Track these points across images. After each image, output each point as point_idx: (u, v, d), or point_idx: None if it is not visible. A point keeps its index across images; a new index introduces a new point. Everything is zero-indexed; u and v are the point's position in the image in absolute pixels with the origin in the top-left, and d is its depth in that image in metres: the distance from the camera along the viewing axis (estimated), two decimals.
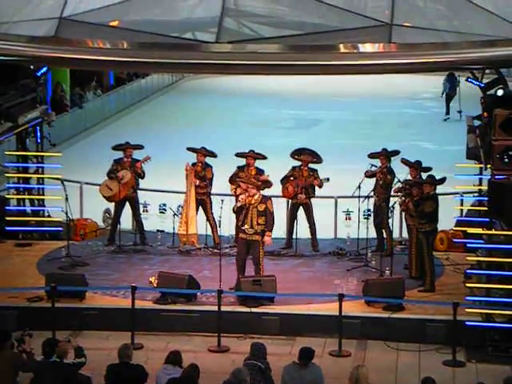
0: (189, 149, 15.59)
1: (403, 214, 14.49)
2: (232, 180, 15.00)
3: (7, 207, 16.04)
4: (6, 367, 10.09)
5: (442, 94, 29.55)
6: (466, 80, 14.06)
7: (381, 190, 14.95)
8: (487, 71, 13.94)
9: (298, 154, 15.35)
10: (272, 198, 13.65)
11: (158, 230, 16.09)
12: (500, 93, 12.56)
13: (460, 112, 27.70)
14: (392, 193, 14.78)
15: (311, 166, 15.29)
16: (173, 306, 12.96)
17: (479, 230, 12.77)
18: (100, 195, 15.44)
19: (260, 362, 10.87)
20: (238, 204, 13.35)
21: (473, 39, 11.96)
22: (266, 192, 14.17)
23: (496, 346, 12.03)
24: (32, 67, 15.07)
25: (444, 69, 13.97)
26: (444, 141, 25.03)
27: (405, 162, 14.51)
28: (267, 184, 14.36)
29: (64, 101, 27.02)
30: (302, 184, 15.16)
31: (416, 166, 14.30)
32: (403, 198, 13.86)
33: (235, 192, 14.64)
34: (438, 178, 13.73)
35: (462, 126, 15.24)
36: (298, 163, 15.30)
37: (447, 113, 29.15)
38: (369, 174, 14.93)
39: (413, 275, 13.87)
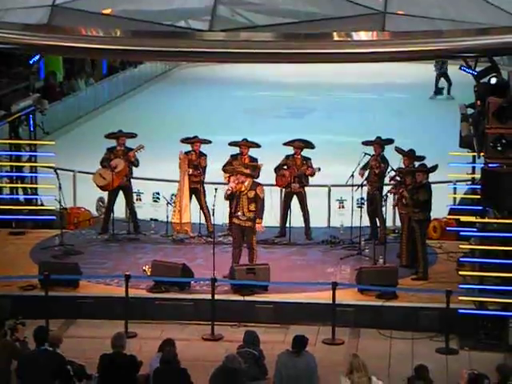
0: (182, 141, 15.53)
1: (396, 201, 14.47)
2: (225, 168, 15.00)
3: (0, 196, 16.00)
4: (1, 354, 10.09)
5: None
6: (460, 68, 14.05)
7: (374, 179, 14.96)
8: (480, 59, 13.92)
9: (290, 142, 15.37)
10: (263, 186, 13.67)
11: (151, 219, 16.09)
12: (493, 81, 12.56)
13: (442, 89, 27.93)
14: (386, 181, 14.79)
15: (305, 154, 15.30)
16: (166, 294, 12.97)
17: (472, 218, 12.80)
18: (93, 184, 15.42)
19: (253, 349, 10.92)
20: (228, 192, 13.38)
21: (466, 27, 11.96)
22: (258, 180, 14.20)
23: (489, 334, 12.07)
24: (25, 55, 15.00)
25: (437, 57, 13.96)
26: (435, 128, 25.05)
27: (398, 150, 14.51)
28: (255, 171, 14.32)
29: (57, 88, 26.94)
30: (295, 173, 15.17)
31: (410, 155, 14.30)
32: (396, 189, 13.85)
33: (228, 180, 14.64)
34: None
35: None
36: (291, 151, 15.30)
37: (436, 92, 29.25)
38: (363, 173, 14.89)
39: (403, 263, 13.90)
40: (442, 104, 28.60)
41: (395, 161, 14.67)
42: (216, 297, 12.39)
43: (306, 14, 12.70)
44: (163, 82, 34.72)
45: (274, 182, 15.38)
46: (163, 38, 12.28)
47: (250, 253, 13.55)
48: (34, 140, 15.97)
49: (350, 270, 13.90)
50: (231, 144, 15.40)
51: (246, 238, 13.52)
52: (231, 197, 13.44)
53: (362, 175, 14.88)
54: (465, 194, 15.52)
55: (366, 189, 15.05)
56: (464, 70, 13.85)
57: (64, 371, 9.79)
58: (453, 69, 25.46)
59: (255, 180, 13.75)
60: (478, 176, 13.92)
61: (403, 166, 14.25)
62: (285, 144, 15.39)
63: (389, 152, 15.03)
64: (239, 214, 13.38)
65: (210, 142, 15.56)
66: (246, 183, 13.40)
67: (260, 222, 13.47)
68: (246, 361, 10.57)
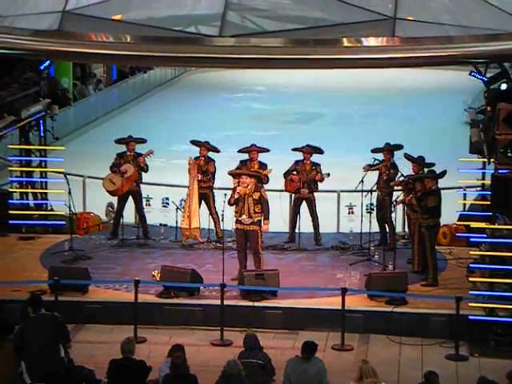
0: (192, 142, 15.61)
1: (405, 208, 14.45)
2: (230, 172, 14.95)
3: (10, 201, 16.05)
4: (9, 359, 10.12)
5: None
6: (470, 74, 14.03)
7: (384, 185, 14.95)
8: (491, 65, 13.91)
9: (299, 147, 15.38)
10: (270, 191, 13.68)
11: (160, 224, 16.11)
12: (503, 87, 12.55)
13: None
14: (394, 187, 14.76)
15: (314, 160, 15.30)
16: (176, 299, 12.97)
17: (482, 225, 12.76)
18: (103, 189, 15.45)
19: (257, 355, 10.86)
20: (236, 196, 13.39)
21: (476, 33, 11.93)
22: (266, 186, 14.20)
23: (499, 340, 12.03)
24: (35, 61, 15.05)
25: (447, 63, 13.90)
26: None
27: (408, 157, 14.49)
28: (260, 174, 14.32)
29: (66, 94, 27.02)
30: (305, 178, 15.17)
31: (419, 162, 14.28)
32: (404, 197, 13.82)
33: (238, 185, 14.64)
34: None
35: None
36: (300, 157, 15.30)
37: None
38: (367, 169, 14.88)
39: (415, 269, 13.87)
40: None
41: (405, 167, 14.66)
42: (225, 302, 12.38)
43: (315, 19, 12.69)
44: (172, 88, 34.82)
45: (283, 188, 15.38)
46: (173, 44, 12.30)
47: (256, 258, 13.52)
48: (44, 145, 16.02)
49: (359, 275, 13.88)
50: (240, 151, 15.41)
51: (250, 243, 13.48)
52: (237, 201, 13.43)
53: (367, 170, 14.83)
54: (475, 200, 15.48)
55: (375, 194, 15.04)
56: (474, 76, 13.83)
57: (64, 332, 9.90)
58: (463, 75, 25.45)
59: (259, 184, 13.76)
60: (487, 182, 13.88)
61: (413, 173, 14.22)
62: (294, 149, 15.40)
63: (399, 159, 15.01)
64: (243, 217, 13.37)
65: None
66: (249, 186, 13.42)
67: (267, 223, 13.47)
68: (250, 371, 10.52)
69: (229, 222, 14.37)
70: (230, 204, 13.55)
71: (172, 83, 35.52)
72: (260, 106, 30.45)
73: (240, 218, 13.41)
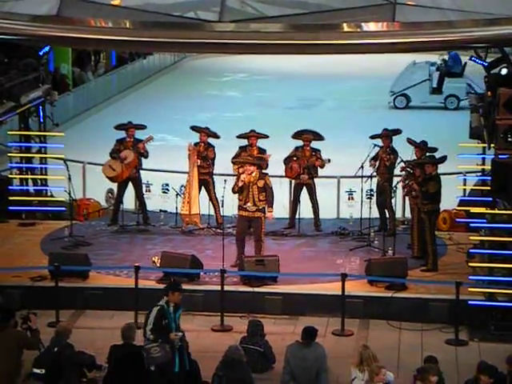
0: (192, 128, 15.59)
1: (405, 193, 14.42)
2: (234, 160, 14.99)
3: (10, 187, 16.03)
4: (11, 345, 10.13)
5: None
6: (470, 59, 13.99)
7: (384, 170, 14.93)
8: (491, 50, 13.87)
9: (298, 134, 15.35)
10: (270, 177, 13.67)
11: (160, 210, 16.10)
12: (504, 72, 12.51)
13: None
14: (396, 172, 14.75)
15: (314, 146, 15.28)
16: None
17: (482, 210, 12.77)
18: (103, 175, 15.44)
19: (258, 342, 10.91)
20: (240, 184, 13.37)
21: (477, 17, 11.90)
22: (267, 171, 14.19)
23: (498, 325, 12.05)
24: (34, 46, 15.01)
25: (448, 48, 13.87)
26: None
27: (410, 141, 14.46)
28: (261, 160, 14.32)
29: (65, 80, 26.97)
30: (304, 164, 15.15)
31: (421, 146, 14.25)
32: (406, 182, 13.80)
33: (238, 172, 14.64)
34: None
35: None
36: (300, 143, 15.28)
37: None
38: (373, 164, 14.82)
39: (415, 255, 13.88)
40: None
41: (407, 152, 14.64)
42: (225, 288, 12.40)
43: (315, 4, 12.65)
44: (172, 73, 34.74)
45: (284, 174, 15.37)
46: (172, 29, 12.25)
47: (258, 245, 13.52)
48: (43, 131, 15.99)
49: (359, 261, 13.89)
50: (240, 136, 15.38)
51: (254, 229, 13.50)
52: (241, 189, 13.42)
53: (374, 166, 14.82)
54: (474, 185, 15.47)
55: (375, 180, 15.03)
56: (474, 61, 13.79)
57: None
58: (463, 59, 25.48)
59: (262, 170, 13.75)
60: (487, 167, 13.87)
61: (415, 158, 14.20)
62: (293, 137, 15.37)
63: (401, 143, 14.98)
64: (248, 205, 13.38)
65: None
66: (253, 174, 13.41)
67: (271, 210, 13.47)
68: (250, 356, 10.58)
69: (229, 208, 14.37)
70: (233, 192, 13.53)
71: (171, 69, 35.43)
72: (260, 91, 30.38)
73: (245, 206, 13.40)
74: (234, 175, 14.78)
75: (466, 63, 27.61)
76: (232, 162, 14.98)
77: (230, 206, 14.31)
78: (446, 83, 27.57)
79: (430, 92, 27.67)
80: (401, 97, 27.60)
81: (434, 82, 27.81)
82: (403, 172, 14.19)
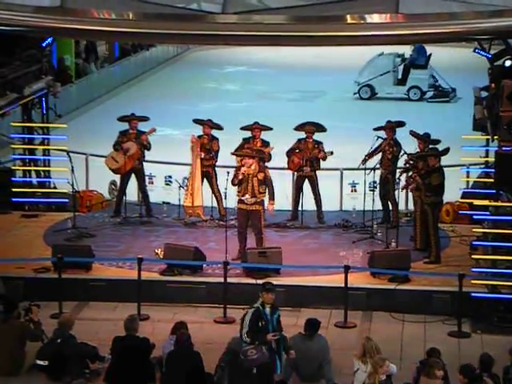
0: (195, 121, 15.57)
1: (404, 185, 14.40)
2: (234, 153, 14.94)
3: (13, 178, 16.04)
4: (13, 336, 10.16)
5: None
6: (474, 51, 13.95)
7: (387, 162, 14.92)
8: (495, 42, 13.83)
9: (301, 126, 15.34)
10: (273, 169, 13.67)
11: (163, 202, 16.10)
12: (508, 63, 12.48)
13: None
14: (400, 164, 14.73)
15: (316, 138, 15.27)
16: (179, 277, 13.00)
17: (485, 202, 12.75)
18: (106, 167, 15.44)
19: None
20: (240, 177, 13.35)
21: (480, 9, 11.86)
22: (268, 164, 14.16)
23: (501, 317, 12.06)
24: (37, 38, 14.99)
25: (451, 39, 13.83)
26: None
27: (413, 134, 14.43)
28: (260, 153, 14.29)
29: (68, 71, 26.94)
30: (307, 157, 15.14)
31: (425, 139, 14.23)
32: (410, 174, 13.78)
33: (241, 164, 14.61)
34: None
35: None
36: (303, 135, 15.27)
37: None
38: (366, 159, 14.81)
39: (417, 247, 13.88)
40: None
41: (409, 144, 14.63)
42: (228, 280, 12.40)
43: None
44: (175, 65, 34.68)
45: (286, 166, 15.36)
46: (175, 21, 12.23)
47: (259, 238, 13.50)
48: (46, 123, 15.99)
49: (362, 253, 13.89)
50: (243, 128, 15.36)
51: (253, 222, 13.45)
52: (240, 182, 13.40)
53: (364, 162, 14.74)
54: (478, 177, 15.46)
55: (378, 172, 15.02)
56: (478, 53, 13.75)
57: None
58: (467, 51, 25.38)
59: (261, 163, 13.73)
60: (491, 159, 13.86)
61: (418, 150, 14.18)
62: (296, 129, 15.35)
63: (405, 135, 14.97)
64: (246, 197, 13.35)
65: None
66: (252, 166, 13.39)
67: (273, 203, 13.46)
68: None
69: (232, 200, 14.36)
70: (233, 184, 13.52)
71: (174, 61, 35.37)
72: (263, 83, 30.32)
73: (243, 198, 13.39)
74: (237, 167, 14.76)
75: (430, 55, 27.98)
76: (232, 154, 14.97)
77: (233, 198, 14.31)
78: (411, 75, 27.82)
79: (395, 83, 27.89)
80: (365, 87, 27.82)
81: (399, 74, 28.03)
82: (406, 165, 14.17)
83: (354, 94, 27.86)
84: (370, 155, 14.84)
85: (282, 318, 11.01)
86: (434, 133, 14.59)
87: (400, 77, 27.93)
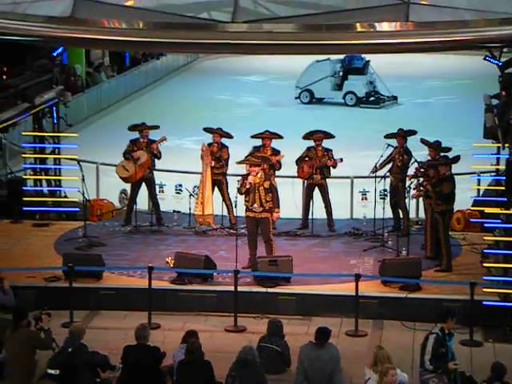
0: (205, 129, 15.59)
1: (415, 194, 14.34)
2: (238, 162, 14.88)
3: (24, 188, 16.10)
4: (23, 344, 10.17)
5: None
6: (484, 58, 13.93)
7: (397, 170, 14.89)
8: (505, 49, 13.80)
9: (309, 134, 15.33)
10: (283, 177, 13.65)
11: (174, 211, 16.10)
12: None
13: None
14: (410, 173, 14.68)
15: (326, 146, 15.26)
16: (189, 286, 13.00)
17: (496, 210, 12.70)
18: (116, 176, 15.47)
19: (277, 342, 10.91)
20: (248, 186, 13.34)
21: (491, 17, 11.85)
22: (279, 173, 14.14)
23: None
24: (48, 47, 15.05)
25: (462, 47, 13.81)
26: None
27: (424, 142, 14.40)
28: (266, 160, 14.25)
29: (78, 82, 27.02)
30: (317, 165, 15.13)
31: (435, 147, 14.19)
32: (420, 182, 13.74)
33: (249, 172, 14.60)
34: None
35: None
36: (312, 144, 15.26)
37: None
38: (375, 170, 14.80)
39: (428, 255, 13.84)
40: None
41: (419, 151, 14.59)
42: (239, 288, 12.39)
43: (328, 5, 12.63)
44: (185, 74, 34.77)
45: (296, 174, 15.35)
46: (185, 30, 12.27)
47: (268, 245, 13.48)
48: (57, 132, 16.04)
49: (373, 261, 13.86)
50: (254, 137, 15.37)
51: (262, 230, 13.44)
52: (248, 191, 13.38)
53: (375, 171, 14.74)
54: (489, 185, 15.41)
55: (388, 180, 14.99)
56: (489, 61, 13.73)
57: None
58: (477, 59, 25.37)
59: (271, 171, 13.73)
60: (502, 167, 13.80)
61: (429, 158, 14.15)
62: (304, 137, 15.33)
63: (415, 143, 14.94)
64: (255, 206, 13.34)
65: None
66: (259, 174, 13.39)
67: (278, 211, 13.45)
68: (268, 355, 10.57)
69: (242, 209, 14.36)
70: (240, 193, 13.51)
71: (184, 69, 35.48)
72: (273, 90, 30.35)
73: (251, 207, 13.38)
74: (243, 175, 14.75)
75: (368, 61, 28.44)
76: (237, 163, 14.96)
77: (243, 206, 14.31)
78: (348, 80, 28.35)
79: (332, 88, 28.41)
80: (305, 92, 28.27)
81: (338, 79, 28.52)
82: (417, 173, 14.13)
83: (295, 98, 28.40)
84: (382, 165, 14.81)
85: (293, 327, 11.04)
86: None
87: (339, 82, 28.52)
